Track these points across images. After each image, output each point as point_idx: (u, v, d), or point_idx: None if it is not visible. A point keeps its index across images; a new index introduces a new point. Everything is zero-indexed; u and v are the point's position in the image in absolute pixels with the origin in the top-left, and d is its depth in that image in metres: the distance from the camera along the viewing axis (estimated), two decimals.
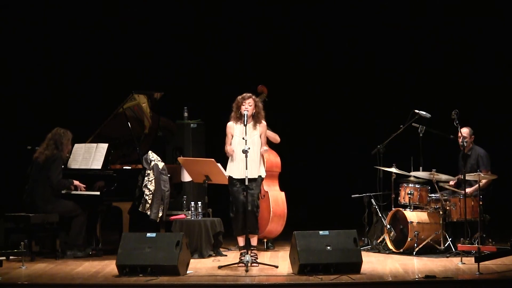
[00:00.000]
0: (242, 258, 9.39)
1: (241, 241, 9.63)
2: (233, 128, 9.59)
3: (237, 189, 9.51)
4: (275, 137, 10.97)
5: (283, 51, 14.11)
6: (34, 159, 10.44)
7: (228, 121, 9.67)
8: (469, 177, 10.37)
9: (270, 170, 11.00)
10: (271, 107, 11.01)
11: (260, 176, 9.62)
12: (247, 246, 9.42)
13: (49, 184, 10.29)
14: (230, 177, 9.57)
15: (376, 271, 9.08)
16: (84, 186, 10.48)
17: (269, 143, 10.81)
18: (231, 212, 9.57)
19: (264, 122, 9.67)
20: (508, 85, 13.49)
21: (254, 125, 9.61)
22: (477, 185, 10.45)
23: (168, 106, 11.84)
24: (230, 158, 9.60)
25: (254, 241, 9.64)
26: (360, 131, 13.71)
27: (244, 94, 9.62)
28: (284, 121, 11.61)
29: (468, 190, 10.45)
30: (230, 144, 9.61)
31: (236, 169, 9.52)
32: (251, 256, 9.41)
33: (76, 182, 10.45)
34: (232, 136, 9.61)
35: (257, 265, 9.42)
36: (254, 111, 9.58)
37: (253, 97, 9.62)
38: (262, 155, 9.70)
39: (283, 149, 11.29)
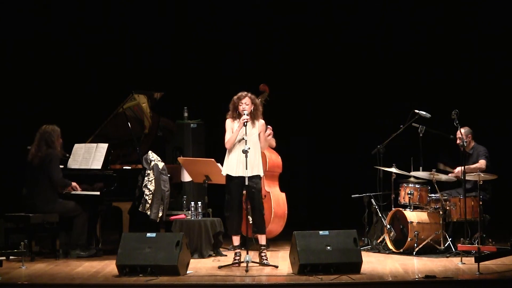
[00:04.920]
0: (237, 258, 9.45)
1: (235, 240, 9.63)
2: (233, 125, 9.56)
3: (235, 186, 9.48)
4: (271, 142, 10.93)
5: (284, 50, 14.11)
6: (29, 161, 10.39)
7: (226, 119, 9.63)
8: (469, 177, 10.38)
9: (271, 170, 11.00)
10: (272, 106, 11.03)
11: (259, 175, 9.61)
12: (242, 245, 9.52)
13: (51, 183, 10.27)
14: (228, 175, 9.54)
15: (376, 271, 9.08)
16: (80, 189, 10.49)
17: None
18: (226, 211, 9.56)
19: (262, 120, 9.65)
20: (508, 85, 13.49)
21: (253, 123, 9.58)
22: (474, 165, 10.51)
23: (168, 106, 11.84)
24: (227, 155, 9.57)
25: (262, 240, 9.64)
26: (360, 131, 13.71)
27: (240, 94, 9.58)
28: (284, 121, 11.62)
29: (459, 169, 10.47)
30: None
31: (234, 167, 9.48)
32: (262, 256, 9.47)
33: (74, 184, 10.44)
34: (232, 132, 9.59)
35: (259, 265, 9.41)
36: (252, 108, 9.56)
37: (249, 95, 9.58)
38: (262, 154, 9.70)
39: (283, 149, 11.29)
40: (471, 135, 10.85)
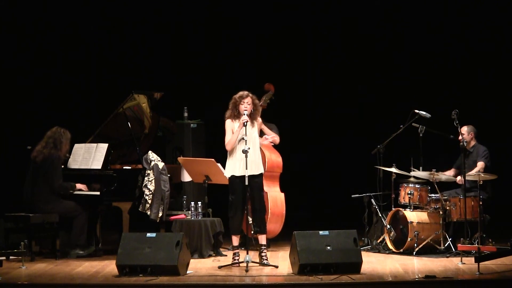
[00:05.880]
0: (236, 258, 9.47)
1: (235, 240, 9.63)
2: (233, 126, 9.55)
3: (239, 187, 9.48)
4: (275, 138, 10.89)
5: (283, 50, 14.11)
6: (32, 158, 10.41)
7: (225, 119, 9.62)
8: (469, 177, 10.37)
9: (271, 170, 10.99)
10: (272, 106, 11.03)
11: (261, 173, 9.62)
12: (241, 245, 9.57)
13: (50, 187, 10.28)
14: (232, 176, 9.54)
15: (376, 271, 9.08)
16: (85, 187, 10.50)
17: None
18: (230, 212, 9.55)
19: (259, 119, 9.66)
20: (508, 85, 13.50)
21: (252, 123, 9.57)
22: (473, 171, 10.48)
23: (168, 106, 11.84)
24: (229, 156, 9.57)
25: (263, 240, 9.62)
26: (360, 131, 13.71)
27: (242, 93, 9.57)
28: (284, 120, 11.63)
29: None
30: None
31: (237, 167, 9.49)
32: (262, 256, 9.47)
33: (79, 186, 10.44)
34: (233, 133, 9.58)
35: (259, 265, 9.41)
36: (252, 109, 9.55)
37: (250, 95, 9.57)
38: (261, 154, 9.72)
39: (283, 149, 11.29)
40: (473, 133, 10.83)
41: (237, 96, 9.56)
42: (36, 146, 10.44)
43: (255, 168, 9.49)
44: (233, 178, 9.52)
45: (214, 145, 11.55)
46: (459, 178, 10.70)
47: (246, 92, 9.56)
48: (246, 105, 9.49)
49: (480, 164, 10.66)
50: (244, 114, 9.43)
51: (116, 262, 8.88)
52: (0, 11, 13.36)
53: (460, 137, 10.55)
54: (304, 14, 13.98)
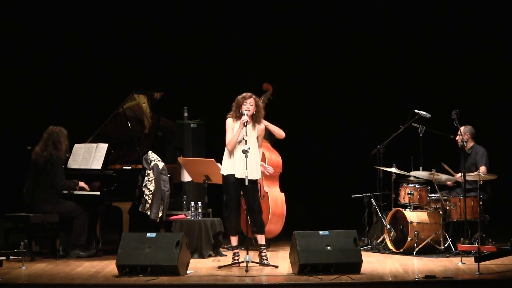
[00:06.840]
0: (236, 258, 9.48)
1: (234, 240, 9.64)
2: (234, 126, 9.54)
3: (233, 187, 9.47)
4: (280, 132, 10.89)
5: (283, 50, 14.11)
6: (33, 160, 10.41)
7: (226, 119, 9.61)
8: (469, 177, 10.37)
9: None
10: (272, 106, 11.02)
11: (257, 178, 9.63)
12: (241, 245, 9.55)
13: (53, 188, 10.28)
14: (228, 176, 9.52)
15: (376, 271, 9.08)
16: (89, 189, 10.52)
17: (273, 140, 10.87)
18: (225, 212, 9.54)
19: (263, 125, 9.64)
20: (508, 85, 13.50)
21: (253, 126, 9.57)
22: (475, 173, 10.48)
23: (168, 106, 11.84)
24: (227, 156, 9.55)
25: (262, 240, 9.61)
26: (360, 131, 13.71)
27: (245, 94, 9.56)
28: (284, 121, 11.62)
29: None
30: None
31: (236, 168, 9.47)
32: (262, 256, 9.46)
33: (81, 184, 10.44)
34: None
35: (259, 265, 9.41)
36: (254, 110, 9.54)
37: (254, 96, 9.57)
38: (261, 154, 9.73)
39: (284, 149, 11.29)
40: (470, 134, 10.78)
41: (240, 96, 9.55)
42: (36, 147, 10.43)
43: (252, 172, 9.46)
44: (228, 177, 9.51)
45: (214, 145, 11.55)
46: (449, 182, 10.72)
47: (249, 94, 9.55)
48: (248, 106, 9.48)
49: (482, 169, 10.61)
50: (245, 114, 9.42)
51: (116, 262, 8.88)
52: (0, 11, 13.36)
53: (457, 138, 10.55)
54: (304, 14, 13.98)
